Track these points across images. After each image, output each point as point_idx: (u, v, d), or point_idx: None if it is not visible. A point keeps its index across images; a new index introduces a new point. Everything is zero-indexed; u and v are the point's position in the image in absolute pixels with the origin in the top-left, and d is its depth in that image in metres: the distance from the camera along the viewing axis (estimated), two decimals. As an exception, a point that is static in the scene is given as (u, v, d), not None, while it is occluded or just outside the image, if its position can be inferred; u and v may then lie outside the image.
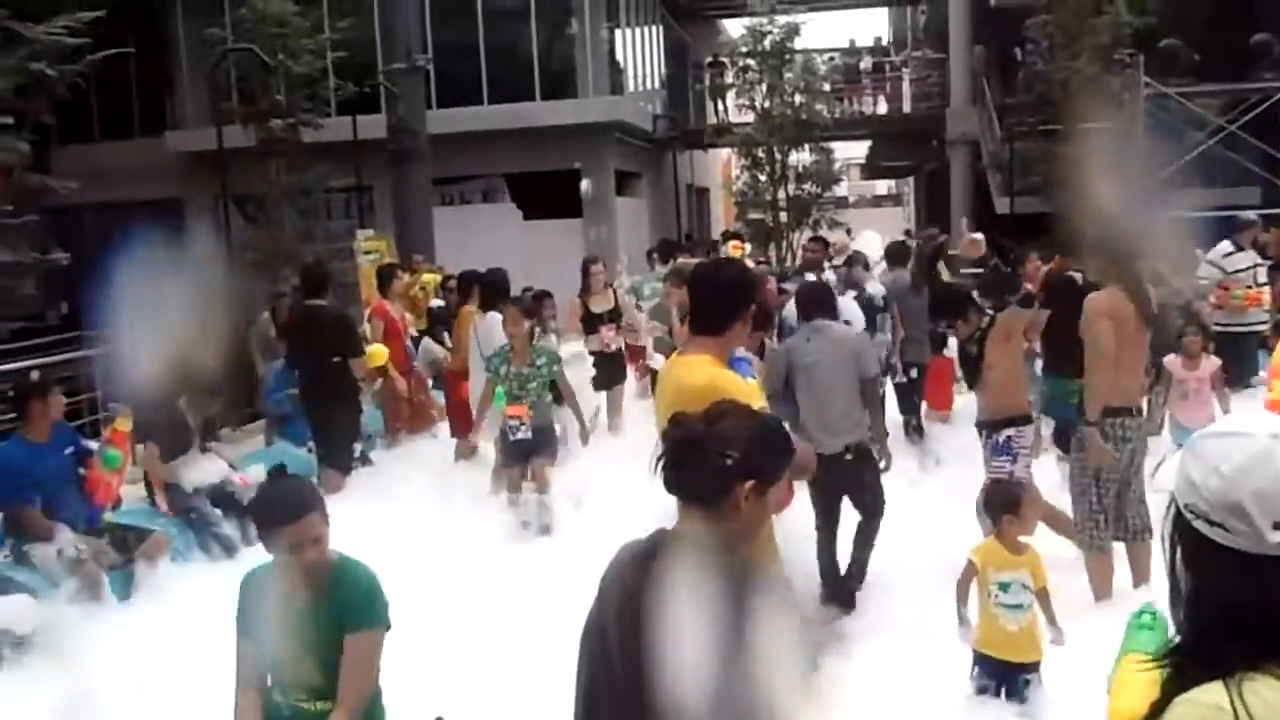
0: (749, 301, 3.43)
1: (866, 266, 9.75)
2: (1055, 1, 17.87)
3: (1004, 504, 4.57)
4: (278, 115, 16.33)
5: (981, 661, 4.45)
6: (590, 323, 9.46)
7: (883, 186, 47.00)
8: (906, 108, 26.29)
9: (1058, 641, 4.50)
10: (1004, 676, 4.40)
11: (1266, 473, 1.66)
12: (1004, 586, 4.41)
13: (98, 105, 21.32)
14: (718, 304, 3.41)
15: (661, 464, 2.23)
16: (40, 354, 11.32)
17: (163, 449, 7.02)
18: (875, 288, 9.00)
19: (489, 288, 8.53)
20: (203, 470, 7.11)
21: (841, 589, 5.77)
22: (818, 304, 6.24)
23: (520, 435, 7.31)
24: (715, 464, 2.17)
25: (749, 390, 3.23)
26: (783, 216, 21.91)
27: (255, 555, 6.89)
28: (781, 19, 22.03)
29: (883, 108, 26.71)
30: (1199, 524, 1.71)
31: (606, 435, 8.99)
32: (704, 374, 3.24)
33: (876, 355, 6.96)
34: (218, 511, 7.05)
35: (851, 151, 33.76)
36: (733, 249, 11.93)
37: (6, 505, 5.95)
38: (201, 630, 5.45)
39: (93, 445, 6.51)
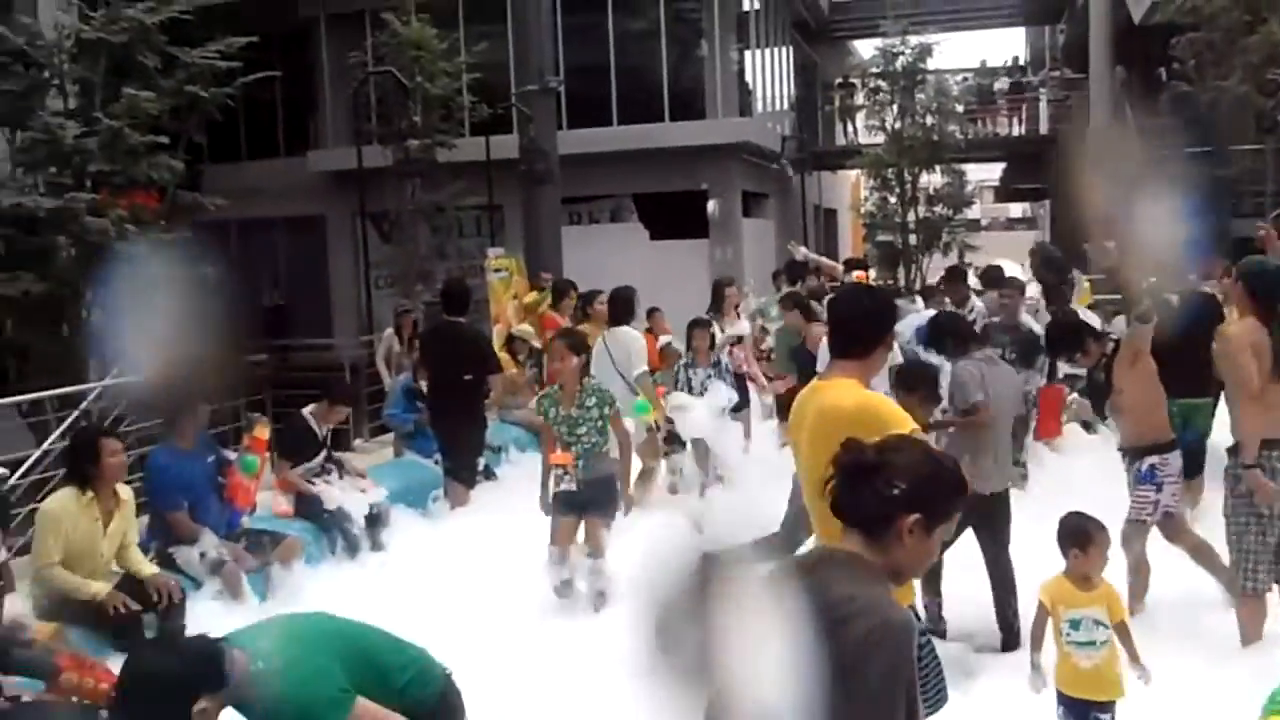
0: (891, 326, 3.49)
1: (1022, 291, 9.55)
2: (1204, 19, 17.23)
3: (1071, 537, 4.36)
4: (414, 136, 16.83)
5: (1062, 700, 4.33)
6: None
7: (1016, 210, 45.92)
8: (1043, 129, 25.68)
9: (1143, 679, 4.30)
10: (1082, 715, 4.26)
11: None
12: (1074, 624, 4.26)
13: (245, 126, 22.25)
14: (861, 328, 3.46)
15: (831, 486, 2.28)
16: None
17: (292, 458, 7.29)
18: (1030, 321, 8.87)
19: (619, 304, 8.66)
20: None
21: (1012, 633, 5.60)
22: (955, 334, 6.14)
23: (565, 486, 6.40)
24: (882, 493, 2.20)
25: (900, 415, 3.21)
26: (912, 239, 21.56)
27: (378, 559, 7.17)
28: (914, 39, 21.76)
29: (1018, 129, 26.17)
30: None
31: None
32: (854, 397, 3.27)
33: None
34: (350, 511, 7.28)
35: (985, 173, 33.12)
36: (858, 278, 11.88)
37: (158, 510, 6.24)
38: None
39: (231, 454, 6.78)
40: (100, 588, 5.30)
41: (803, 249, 13.97)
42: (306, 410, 7.49)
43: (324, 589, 6.41)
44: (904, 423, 3.18)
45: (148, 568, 5.64)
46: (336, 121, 22.39)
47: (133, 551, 5.65)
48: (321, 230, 23.25)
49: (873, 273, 15.02)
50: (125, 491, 5.64)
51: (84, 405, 9.58)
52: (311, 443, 7.38)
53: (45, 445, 8.96)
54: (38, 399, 9.58)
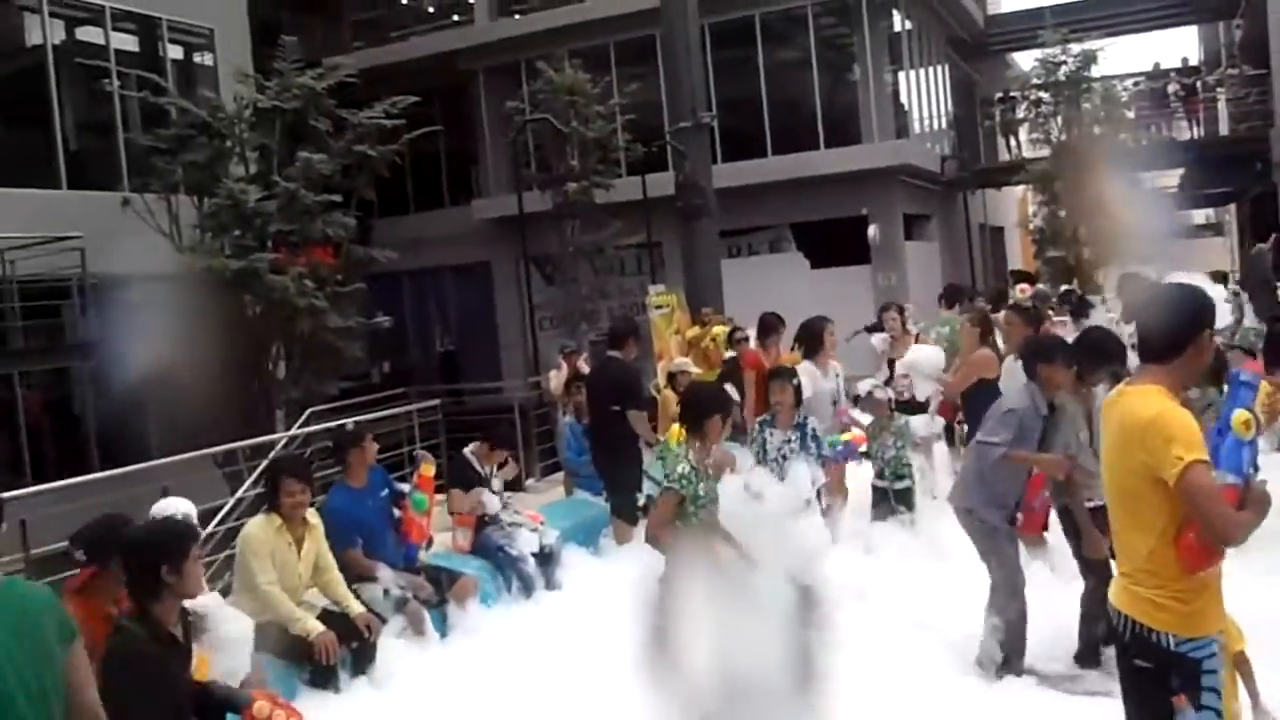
0: (1203, 327, 3.23)
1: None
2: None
3: None
4: (572, 179, 17.17)
5: None
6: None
7: (1200, 216, 43.67)
8: (1224, 130, 24.38)
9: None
10: None
11: None
12: None
13: (412, 179, 23.13)
14: (1168, 329, 3.23)
15: None
16: (367, 409, 12.32)
17: (463, 487, 7.46)
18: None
19: (808, 336, 8.45)
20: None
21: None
22: (1104, 353, 5.82)
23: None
24: None
25: (1192, 435, 3.04)
26: (1085, 252, 20.71)
27: (553, 598, 7.22)
28: (1076, 47, 21.01)
29: (1196, 132, 24.92)
30: None
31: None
32: (1153, 407, 3.12)
33: None
34: (525, 550, 7.37)
35: (1164, 180, 31.63)
36: (1020, 292, 11.44)
37: (335, 548, 6.46)
38: (515, 667, 5.75)
39: (405, 487, 6.95)
40: (313, 626, 5.52)
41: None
42: (467, 449, 7.66)
43: (500, 626, 6.50)
44: (1194, 444, 3.02)
45: (355, 605, 5.86)
46: (498, 169, 23.05)
47: (338, 583, 5.90)
48: (487, 276, 23.90)
49: (1040, 286, 14.44)
50: (313, 516, 5.92)
51: (273, 454, 10.03)
52: (474, 480, 7.53)
53: (238, 493, 9.42)
54: (231, 449, 10.08)
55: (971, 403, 7.63)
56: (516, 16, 23.57)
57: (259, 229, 12.99)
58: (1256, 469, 3.17)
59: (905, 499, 7.84)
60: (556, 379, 11.25)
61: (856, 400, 8.70)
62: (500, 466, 7.82)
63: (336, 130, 13.65)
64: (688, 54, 15.03)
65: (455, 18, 25.58)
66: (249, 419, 12.41)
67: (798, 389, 7.20)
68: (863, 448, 7.90)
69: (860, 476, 8.05)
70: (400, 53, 23.51)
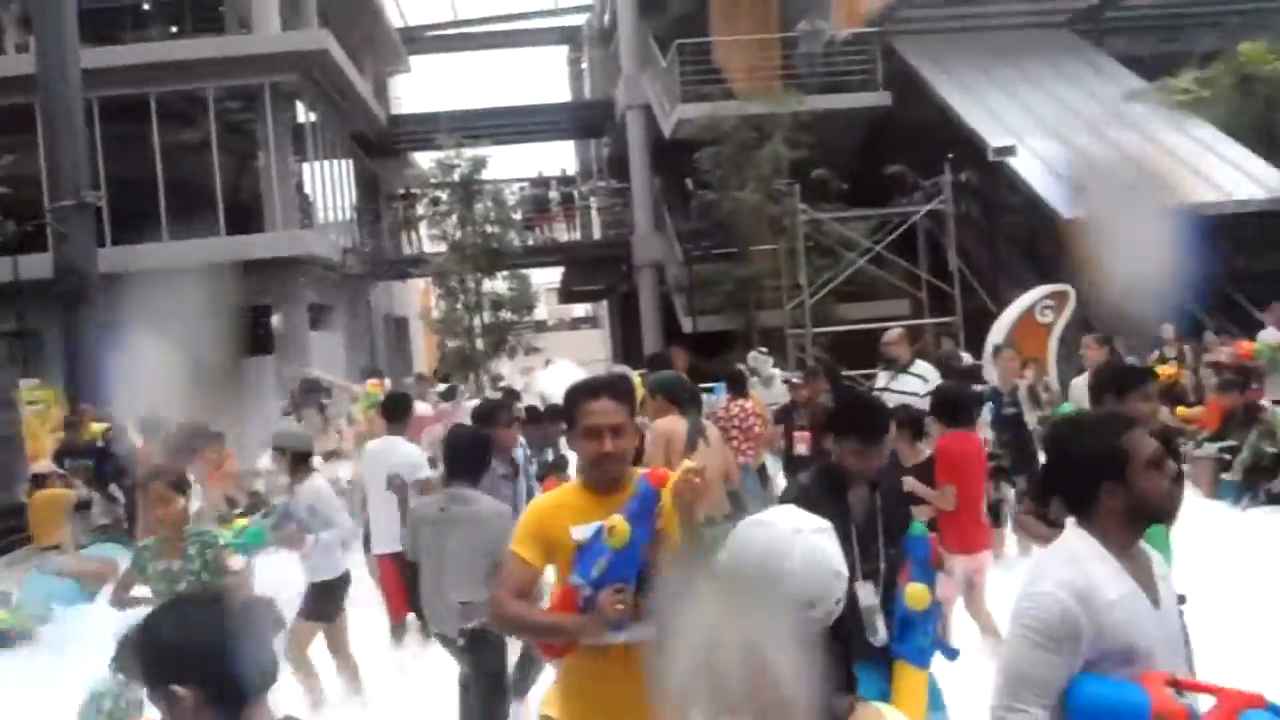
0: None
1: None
2: (720, 136, 19.38)
3: None
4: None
5: None
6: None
7: (580, 309, 48.45)
8: (597, 234, 27.42)
9: None
10: None
11: None
12: None
13: None
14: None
15: None
16: None
17: None
18: None
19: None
20: None
21: None
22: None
23: None
24: None
25: (525, 528, 3.36)
26: (480, 343, 22.18)
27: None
28: (469, 152, 22.62)
29: (573, 235, 27.74)
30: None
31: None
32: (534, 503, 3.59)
33: None
34: None
35: (549, 277, 34.69)
36: (370, 386, 12.18)
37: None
38: None
39: None
40: None
41: (315, 371, 14.04)
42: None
43: None
44: (521, 538, 3.35)
45: None
46: None
47: None
48: None
49: (387, 382, 15.05)
50: None
51: None
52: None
53: None
54: None
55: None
56: None
57: None
58: (630, 585, 3.03)
59: None
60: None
61: None
62: None
63: None
64: (70, 125, 14.04)
65: None
66: None
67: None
68: None
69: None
70: None
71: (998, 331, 13.60)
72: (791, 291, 18.12)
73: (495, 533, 4.90)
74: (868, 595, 3.80)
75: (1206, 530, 7.82)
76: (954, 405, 6.61)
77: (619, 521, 3.03)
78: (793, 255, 18.14)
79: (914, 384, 8.70)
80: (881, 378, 9.30)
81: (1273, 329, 12.16)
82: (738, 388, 9.69)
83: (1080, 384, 8.02)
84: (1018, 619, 2.50)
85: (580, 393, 3.33)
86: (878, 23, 20.52)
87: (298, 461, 6.50)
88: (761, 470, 9.81)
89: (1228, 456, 10.82)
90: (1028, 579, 2.55)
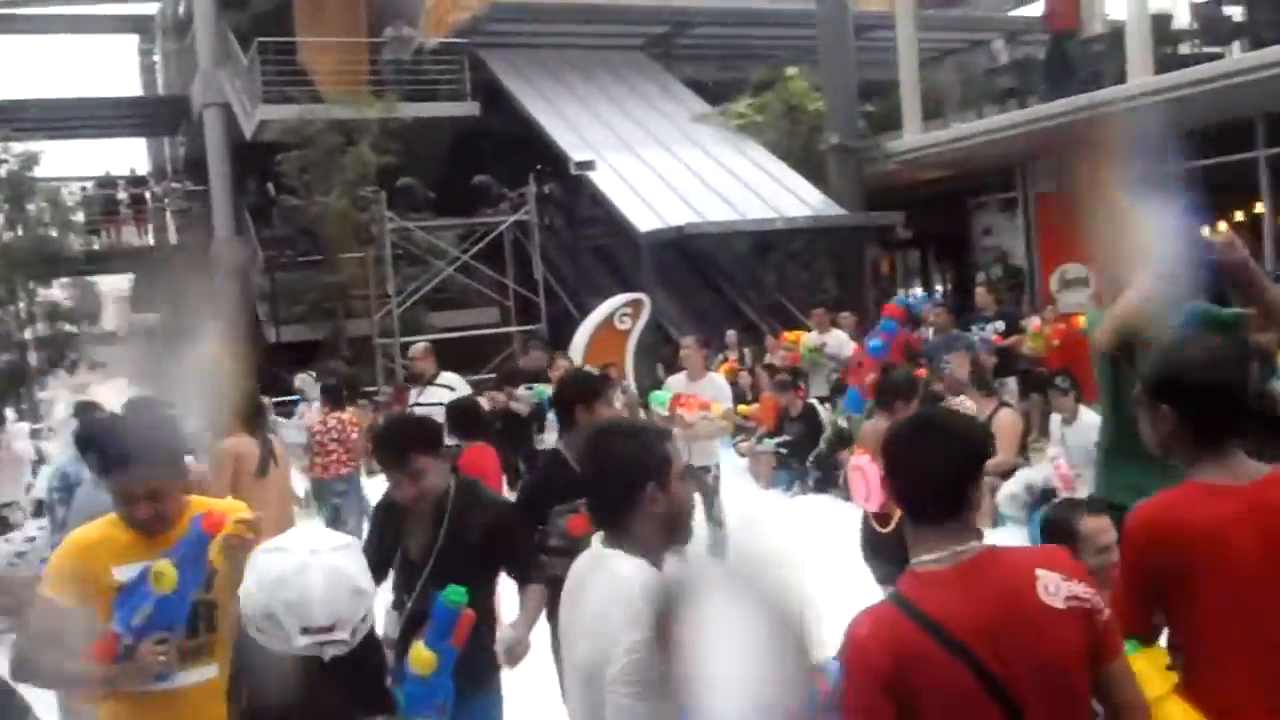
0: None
1: None
2: (306, 139, 18.75)
3: None
4: None
5: None
6: None
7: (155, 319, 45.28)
8: (174, 238, 25.66)
9: None
10: None
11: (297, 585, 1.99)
12: None
13: None
14: None
15: None
16: None
17: None
18: None
19: None
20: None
21: None
22: None
23: None
24: None
25: None
26: (34, 359, 20.10)
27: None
28: (18, 146, 20.42)
29: (148, 239, 25.79)
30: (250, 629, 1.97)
31: None
32: None
33: None
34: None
35: (121, 283, 32.01)
36: None
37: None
38: None
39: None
40: None
41: None
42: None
43: None
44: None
45: None
46: None
47: None
48: None
49: None
50: None
51: None
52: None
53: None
54: None
55: None
56: None
57: None
58: (178, 630, 2.91)
59: None
60: None
61: None
62: None
63: None
64: None
65: None
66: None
67: None
68: None
69: None
70: None
71: (580, 337, 14.14)
72: (380, 300, 17.90)
73: None
74: (389, 623, 3.70)
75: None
76: (467, 417, 6.59)
77: (166, 566, 2.84)
78: (380, 263, 17.92)
79: (441, 395, 8.71)
80: (412, 393, 9.40)
81: (814, 333, 13.53)
82: (335, 400, 9.45)
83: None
84: None
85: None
86: (466, 34, 20.77)
87: None
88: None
89: (784, 451, 11.92)
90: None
